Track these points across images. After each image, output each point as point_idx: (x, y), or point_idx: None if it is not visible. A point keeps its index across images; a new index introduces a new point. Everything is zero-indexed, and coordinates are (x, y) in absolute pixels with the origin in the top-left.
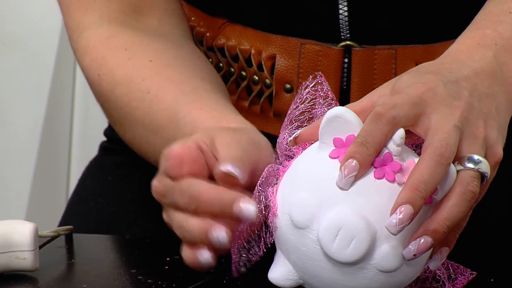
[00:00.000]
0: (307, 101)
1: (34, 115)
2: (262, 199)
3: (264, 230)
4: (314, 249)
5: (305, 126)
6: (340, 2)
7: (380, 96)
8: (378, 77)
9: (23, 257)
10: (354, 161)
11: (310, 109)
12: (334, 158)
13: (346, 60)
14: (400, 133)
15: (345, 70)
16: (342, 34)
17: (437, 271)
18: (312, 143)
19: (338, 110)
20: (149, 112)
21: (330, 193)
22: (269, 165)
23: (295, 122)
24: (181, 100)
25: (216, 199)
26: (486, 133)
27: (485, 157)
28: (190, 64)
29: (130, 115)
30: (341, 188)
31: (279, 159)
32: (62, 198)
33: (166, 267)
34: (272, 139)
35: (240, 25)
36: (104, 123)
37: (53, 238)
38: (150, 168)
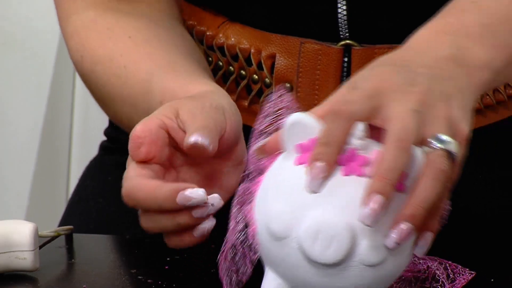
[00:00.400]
0: (271, 115)
1: (34, 115)
2: (240, 218)
3: (247, 248)
4: (298, 257)
5: None
6: (339, 1)
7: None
8: None
9: (23, 257)
10: (319, 162)
11: (275, 121)
12: (300, 164)
13: (346, 59)
14: (360, 126)
15: (345, 69)
16: (341, 33)
17: (436, 271)
18: (280, 153)
19: (296, 116)
20: (125, 86)
21: (303, 199)
22: (242, 184)
23: (262, 136)
24: (154, 73)
25: (151, 197)
26: (449, 113)
27: (452, 136)
28: (169, 40)
29: (110, 92)
30: (313, 192)
31: (250, 175)
32: (62, 198)
33: (166, 267)
34: None
35: (240, 24)
36: (104, 123)
37: (53, 238)
38: None
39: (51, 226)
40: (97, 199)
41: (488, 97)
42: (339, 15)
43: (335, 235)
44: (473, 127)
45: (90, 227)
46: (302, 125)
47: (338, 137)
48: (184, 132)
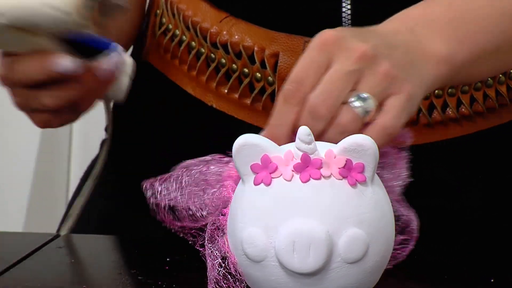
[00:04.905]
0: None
1: None
2: (216, 253)
3: (231, 280)
4: (281, 273)
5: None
6: (343, 0)
7: None
8: None
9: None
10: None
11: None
12: (259, 184)
13: None
14: (305, 131)
15: None
16: None
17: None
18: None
19: (241, 139)
20: None
21: (271, 216)
22: (210, 221)
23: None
24: None
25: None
26: (391, 72)
27: (390, 92)
28: None
29: None
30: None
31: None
32: (62, 199)
33: (166, 267)
34: None
35: (244, 21)
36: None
37: (53, 238)
38: (150, 168)
39: (51, 226)
40: (98, 199)
41: (490, 100)
42: (343, 14)
43: (311, 242)
44: (475, 130)
45: (90, 227)
46: (250, 145)
47: (288, 121)
48: None
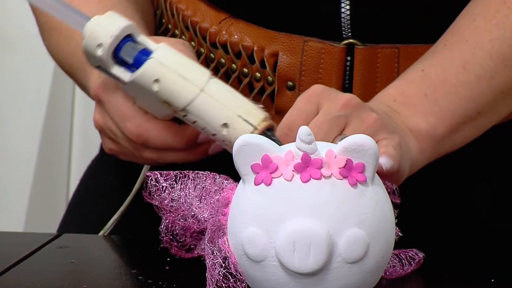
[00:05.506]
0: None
1: (34, 115)
2: (216, 253)
3: (232, 280)
4: (282, 273)
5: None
6: (342, 0)
7: None
8: (381, 76)
9: None
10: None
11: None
12: (260, 184)
13: (348, 58)
14: (305, 131)
15: (348, 68)
16: (344, 32)
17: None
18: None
19: (241, 139)
20: None
21: (272, 216)
22: (210, 221)
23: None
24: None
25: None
26: (379, 122)
27: (378, 139)
28: None
29: (50, 22)
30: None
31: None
32: (62, 198)
33: (167, 267)
34: None
35: (243, 21)
36: None
37: (54, 238)
38: (150, 168)
39: (51, 226)
40: (98, 199)
41: None
42: (342, 15)
43: (311, 242)
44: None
45: (91, 227)
46: (251, 145)
47: None
48: None
